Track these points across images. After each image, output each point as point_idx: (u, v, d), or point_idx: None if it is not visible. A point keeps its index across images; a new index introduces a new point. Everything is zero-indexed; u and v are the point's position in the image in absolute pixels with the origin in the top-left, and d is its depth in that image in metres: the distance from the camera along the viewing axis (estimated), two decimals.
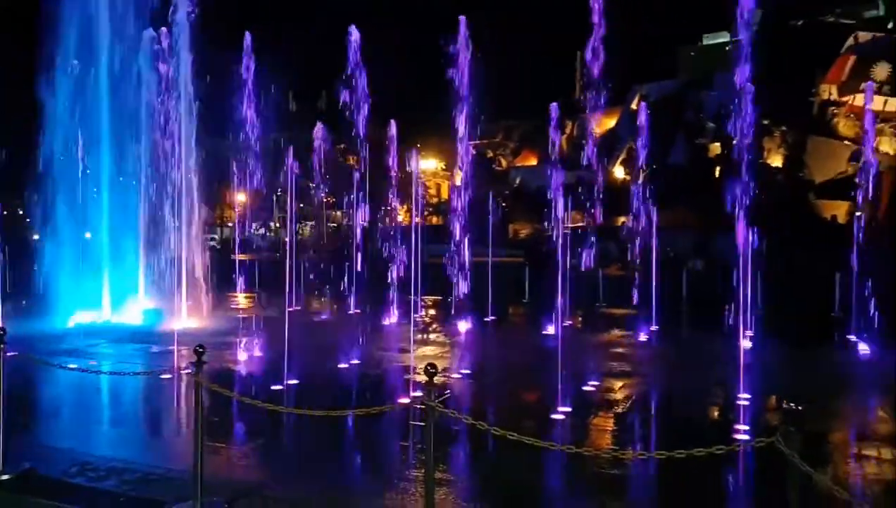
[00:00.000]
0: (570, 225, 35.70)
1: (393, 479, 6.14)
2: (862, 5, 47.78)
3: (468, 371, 11.47)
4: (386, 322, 17.18)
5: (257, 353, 12.48)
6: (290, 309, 17.62)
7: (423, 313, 18.47)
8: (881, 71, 39.36)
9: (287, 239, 23.63)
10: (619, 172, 52.79)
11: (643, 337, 14.69)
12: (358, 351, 13.11)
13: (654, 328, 15.12)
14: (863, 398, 10.17)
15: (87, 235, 17.34)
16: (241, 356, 12.18)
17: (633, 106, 54.34)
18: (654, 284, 16.47)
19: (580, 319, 17.55)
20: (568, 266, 21.40)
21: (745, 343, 13.20)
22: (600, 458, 6.28)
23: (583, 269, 28.41)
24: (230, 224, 40.76)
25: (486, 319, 16.51)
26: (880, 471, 6.81)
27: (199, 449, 5.29)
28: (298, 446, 7.26)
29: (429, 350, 13.67)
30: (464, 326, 16.75)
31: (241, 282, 24.06)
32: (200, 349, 5.45)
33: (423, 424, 4.95)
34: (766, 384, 10.48)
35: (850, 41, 40.77)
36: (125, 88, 17.23)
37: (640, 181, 52.53)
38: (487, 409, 8.91)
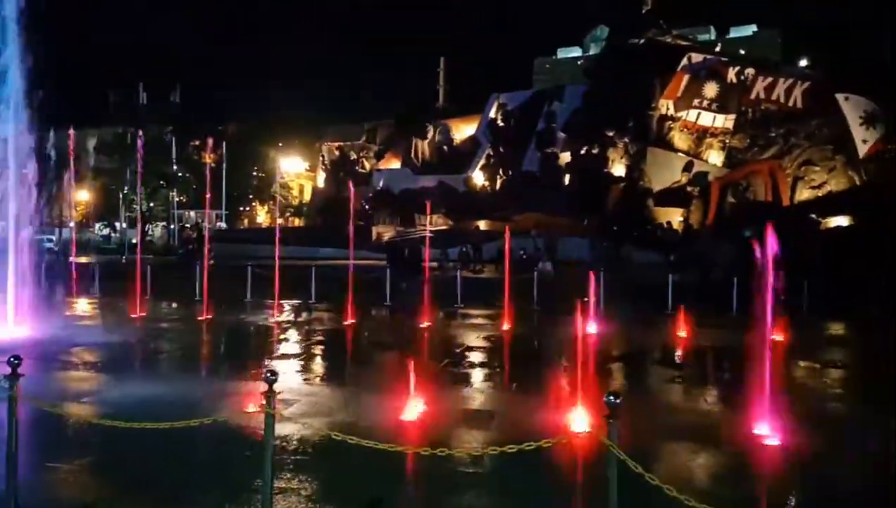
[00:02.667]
0: (432, 228, 36.45)
1: (233, 490, 5.96)
2: (696, 29, 52.53)
3: (319, 376, 11.60)
4: (238, 328, 16.85)
5: (89, 361, 11.88)
6: (135, 315, 16.95)
7: (278, 316, 18.27)
8: (710, 89, 43.40)
9: (136, 240, 22.52)
10: (478, 177, 54.45)
11: (497, 336, 15.47)
12: (205, 358, 12.84)
13: (506, 326, 15.95)
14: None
15: None
16: (72, 365, 11.51)
17: (492, 114, 56.35)
18: (507, 284, 17.26)
19: (440, 319, 18.10)
20: (428, 268, 22.03)
21: (591, 330, 14.38)
22: (451, 457, 6.33)
23: (442, 270, 29.24)
24: (71, 224, 37.83)
25: (345, 322, 16.63)
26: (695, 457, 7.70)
27: (10, 472, 5.06)
28: (131, 462, 6.79)
29: (284, 353, 13.64)
30: (321, 329, 16.80)
31: (80, 286, 22.61)
32: (16, 361, 5.14)
33: (263, 432, 4.87)
34: (605, 373, 11.48)
35: (685, 61, 44.59)
36: None
37: (498, 187, 54.57)
38: (336, 414, 8.81)
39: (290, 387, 9.97)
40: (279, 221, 37.91)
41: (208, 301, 17.58)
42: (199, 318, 17.09)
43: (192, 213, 69.13)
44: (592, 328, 14.77)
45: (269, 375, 4.78)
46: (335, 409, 9.01)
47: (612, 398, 4.33)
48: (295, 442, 7.24)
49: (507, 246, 19.49)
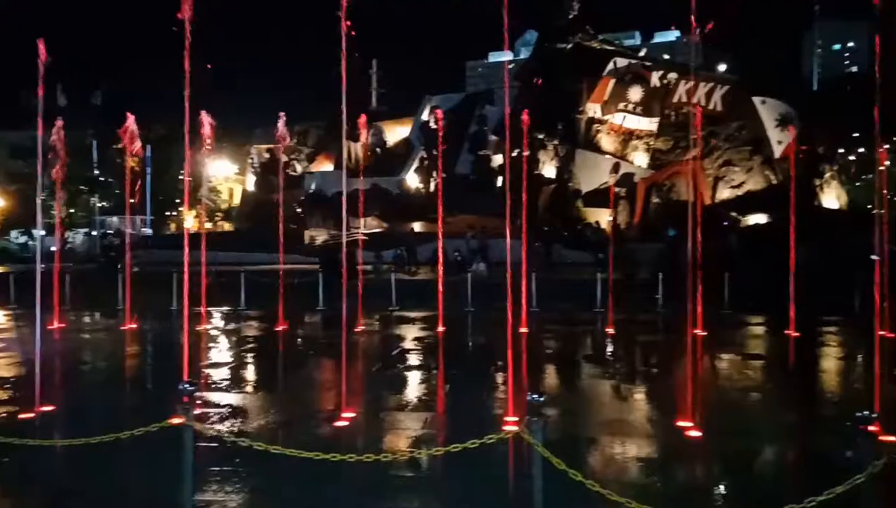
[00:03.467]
0: (366, 231, 36.24)
1: (155, 504, 5.86)
2: (622, 34, 54.00)
3: (247, 384, 11.38)
4: (163, 337, 16.35)
5: (3, 376, 11.36)
6: (51, 326, 16.24)
7: (206, 325, 17.83)
8: (635, 93, 44.70)
9: (55, 247, 21.56)
10: (412, 179, 54.48)
11: (432, 338, 15.51)
12: (126, 369, 12.43)
13: (441, 328, 16.02)
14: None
15: None
16: None
17: (424, 116, 56.45)
18: (440, 286, 17.32)
19: (375, 323, 18.02)
20: (363, 272, 21.90)
21: (523, 329, 14.59)
22: (379, 462, 6.33)
23: (377, 273, 29.09)
24: None
25: (276, 328, 16.35)
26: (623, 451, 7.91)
27: None
28: (46, 476, 6.56)
29: (212, 362, 13.32)
30: (250, 336, 16.49)
31: None
32: None
33: (185, 444, 4.79)
34: (535, 372, 11.67)
35: (611, 66, 45.77)
36: None
37: (432, 189, 54.72)
38: (262, 422, 8.66)
39: (216, 396, 9.75)
40: (208, 225, 36.94)
41: (132, 310, 17.00)
42: (122, 328, 16.51)
43: (116, 218, 66.64)
44: (524, 327, 15.00)
45: (187, 386, 4.67)
46: (262, 417, 8.86)
47: (535, 397, 4.41)
48: (220, 453, 7.05)
49: (440, 248, 19.58)
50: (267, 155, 64.92)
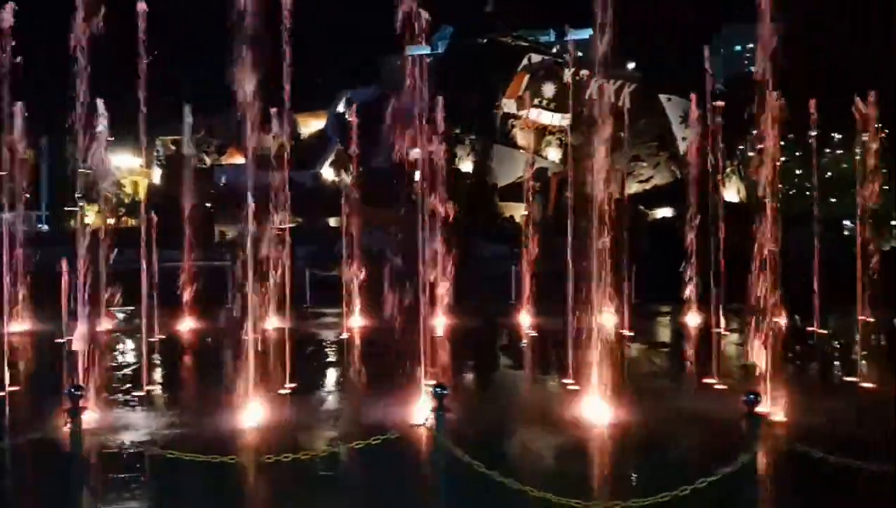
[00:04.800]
0: (280, 226, 35.27)
1: None
2: (537, 30, 54.88)
3: (144, 388, 10.85)
4: (54, 340, 15.42)
5: None
6: None
7: (106, 325, 16.92)
8: (548, 89, 45.59)
9: None
10: (328, 173, 53.71)
11: (345, 335, 15.29)
12: (14, 375, 11.69)
13: (354, 323, 15.81)
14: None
15: None
16: None
17: (340, 109, 55.70)
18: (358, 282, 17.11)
19: (287, 320, 17.59)
20: (277, 268, 21.31)
21: (442, 323, 14.59)
22: (280, 463, 6.04)
23: (290, 269, 28.41)
24: None
25: (180, 327, 15.70)
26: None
27: None
28: None
29: (110, 364, 12.69)
30: (154, 338, 15.79)
31: None
32: None
33: (71, 452, 4.49)
34: (449, 363, 11.67)
35: (525, 61, 46.51)
36: None
37: (349, 183, 53.92)
38: (159, 426, 8.31)
39: (113, 400, 9.26)
40: (110, 221, 35.22)
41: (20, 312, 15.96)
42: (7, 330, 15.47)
43: (5, 215, 62.59)
44: (440, 319, 14.99)
45: (73, 391, 4.36)
46: (157, 422, 8.46)
47: (438, 389, 4.37)
48: (113, 459, 6.69)
49: (356, 243, 19.34)
50: (174, 147, 62.50)
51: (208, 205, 49.20)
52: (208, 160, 60.36)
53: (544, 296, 19.19)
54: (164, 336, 15.74)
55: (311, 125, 58.15)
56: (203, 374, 11.97)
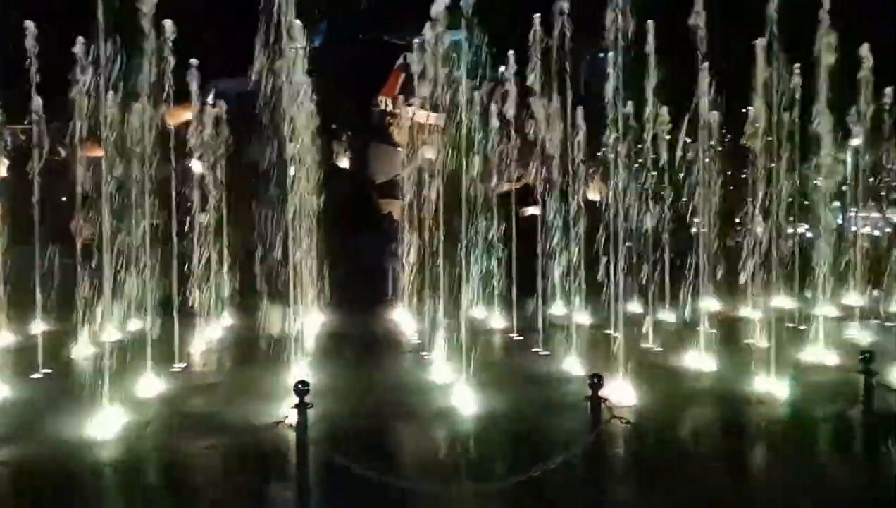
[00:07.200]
0: (148, 222, 33.38)
1: None
2: (412, 31, 55.38)
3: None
4: None
5: None
6: None
7: None
8: (424, 88, 46.15)
9: None
10: (196, 167, 51.59)
11: (218, 335, 14.96)
12: None
13: (228, 322, 15.48)
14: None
15: None
16: None
17: (210, 101, 53.61)
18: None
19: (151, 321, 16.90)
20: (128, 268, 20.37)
21: (319, 317, 14.62)
22: (143, 470, 6.09)
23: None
24: None
25: (31, 331, 14.75)
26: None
27: None
28: None
29: None
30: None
31: None
32: None
33: None
34: (319, 361, 11.74)
35: (402, 60, 46.78)
36: None
37: (222, 177, 52.03)
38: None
39: None
40: None
41: None
42: None
43: None
44: (316, 316, 14.99)
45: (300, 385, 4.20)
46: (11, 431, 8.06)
47: (300, 386, 4.54)
48: None
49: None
50: (24, 137, 57.58)
51: (63, 199, 45.76)
52: (64, 152, 56.19)
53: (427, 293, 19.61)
54: (11, 340, 14.71)
55: (180, 117, 55.61)
56: (66, 376, 11.34)
